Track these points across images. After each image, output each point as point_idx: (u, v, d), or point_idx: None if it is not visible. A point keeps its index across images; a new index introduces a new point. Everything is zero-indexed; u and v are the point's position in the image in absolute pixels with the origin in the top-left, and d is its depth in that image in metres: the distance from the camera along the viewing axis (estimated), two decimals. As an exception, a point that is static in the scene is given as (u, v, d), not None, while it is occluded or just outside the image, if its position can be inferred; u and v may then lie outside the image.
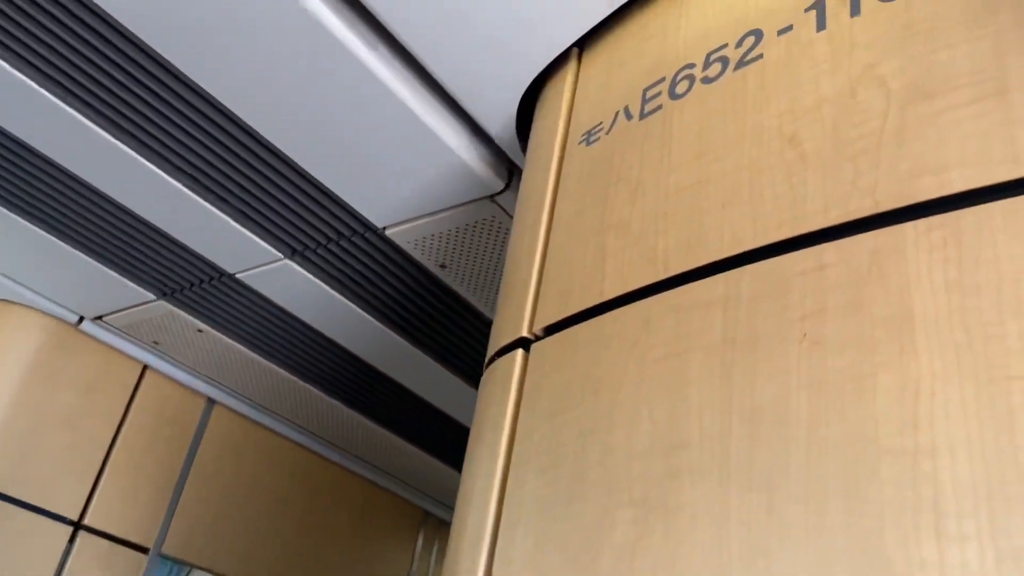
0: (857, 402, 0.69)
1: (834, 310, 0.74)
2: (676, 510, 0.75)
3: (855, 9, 0.92)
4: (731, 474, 0.73)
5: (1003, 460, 0.59)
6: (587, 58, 1.33)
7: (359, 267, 2.01)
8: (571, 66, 1.35)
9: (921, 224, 0.73)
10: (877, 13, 0.90)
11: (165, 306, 2.37)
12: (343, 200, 1.77)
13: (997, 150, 0.72)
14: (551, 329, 1.07)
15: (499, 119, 1.51)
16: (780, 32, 0.98)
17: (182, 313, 2.39)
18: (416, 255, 1.92)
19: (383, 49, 1.43)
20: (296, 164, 1.70)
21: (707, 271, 0.88)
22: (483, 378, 1.16)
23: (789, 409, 0.73)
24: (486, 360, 1.18)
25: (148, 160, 1.76)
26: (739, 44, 1.03)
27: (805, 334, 0.75)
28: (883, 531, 0.62)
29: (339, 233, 1.90)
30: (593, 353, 0.96)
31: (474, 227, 1.80)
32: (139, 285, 2.28)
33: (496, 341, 1.17)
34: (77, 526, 2.49)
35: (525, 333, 1.10)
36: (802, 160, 0.86)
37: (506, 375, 1.08)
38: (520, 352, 1.08)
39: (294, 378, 2.65)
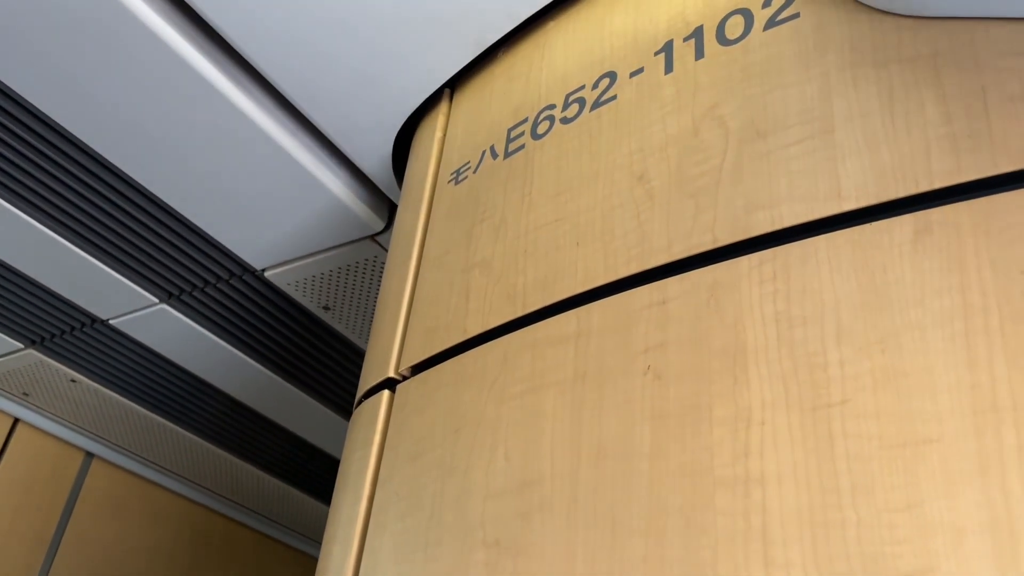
0: (695, 433, 0.70)
1: (675, 343, 0.76)
2: (526, 549, 0.74)
3: (699, 53, 0.95)
4: (578, 510, 0.73)
5: (824, 486, 0.61)
6: (458, 98, 1.34)
7: (239, 310, 1.95)
8: (443, 106, 1.35)
9: (754, 258, 0.75)
10: (719, 56, 0.93)
11: (35, 355, 2.24)
12: (219, 242, 1.72)
13: (822, 186, 0.75)
14: (417, 368, 1.06)
15: (375, 159, 1.50)
16: (632, 74, 1.01)
17: (53, 362, 2.26)
18: (298, 297, 1.88)
19: (255, 89, 1.41)
20: (168, 206, 1.64)
21: (561, 307, 0.89)
22: (350, 421, 1.13)
23: (633, 442, 0.73)
24: (354, 403, 1.15)
25: (11, 204, 1.68)
26: (595, 85, 1.05)
27: (649, 366, 0.76)
28: (716, 563, 0.63)
29: (216, 276, 1.84)
30: (455, 392, 0.95)
31: (356, 267, 1.78)
32: (5, 334, 2.15)
33: (364, 382, 1.14)
34: (-64, 594, 2.31)
35: (392, 373, 1.08)
36: (649, 197, 0.88)
37: (371, 418, 1.05)
38: (386, 393, 1.06)
39: (177, 427, 2.54)
